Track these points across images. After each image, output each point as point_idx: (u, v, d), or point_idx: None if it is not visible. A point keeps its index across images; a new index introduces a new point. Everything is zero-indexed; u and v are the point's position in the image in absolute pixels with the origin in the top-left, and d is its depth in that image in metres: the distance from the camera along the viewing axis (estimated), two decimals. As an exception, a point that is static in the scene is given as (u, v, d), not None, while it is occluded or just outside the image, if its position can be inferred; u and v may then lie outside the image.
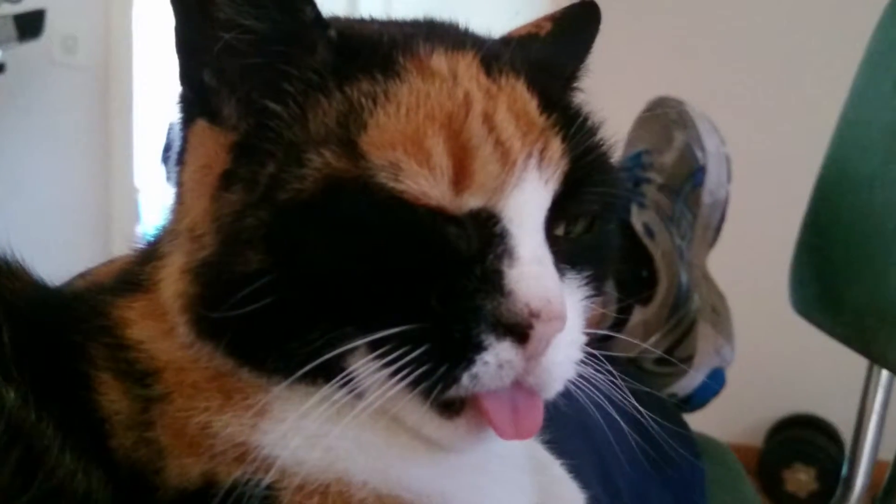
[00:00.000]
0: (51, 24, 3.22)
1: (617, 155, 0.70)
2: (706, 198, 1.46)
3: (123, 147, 3.80)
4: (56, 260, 0.72)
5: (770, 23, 3.32)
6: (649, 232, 1.47)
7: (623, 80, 2.02)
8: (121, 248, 0.79)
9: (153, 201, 4.12)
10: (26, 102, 3.52)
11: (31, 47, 3.24)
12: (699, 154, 1.46)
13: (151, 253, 0.69)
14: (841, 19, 2.76)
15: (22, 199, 3.47)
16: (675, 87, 1.57)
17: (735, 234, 1.57)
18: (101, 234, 3.73)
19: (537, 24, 0.76)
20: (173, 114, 0.69)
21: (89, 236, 3.69)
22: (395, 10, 0.79)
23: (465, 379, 0.57)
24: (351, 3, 4.04)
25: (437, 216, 0.58)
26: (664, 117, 1.51)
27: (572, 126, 0.64)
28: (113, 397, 0.62)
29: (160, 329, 0.64)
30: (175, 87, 0.68)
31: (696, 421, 1.37)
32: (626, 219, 1.44)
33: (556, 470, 0.78)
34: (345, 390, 0.58)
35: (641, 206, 1.48)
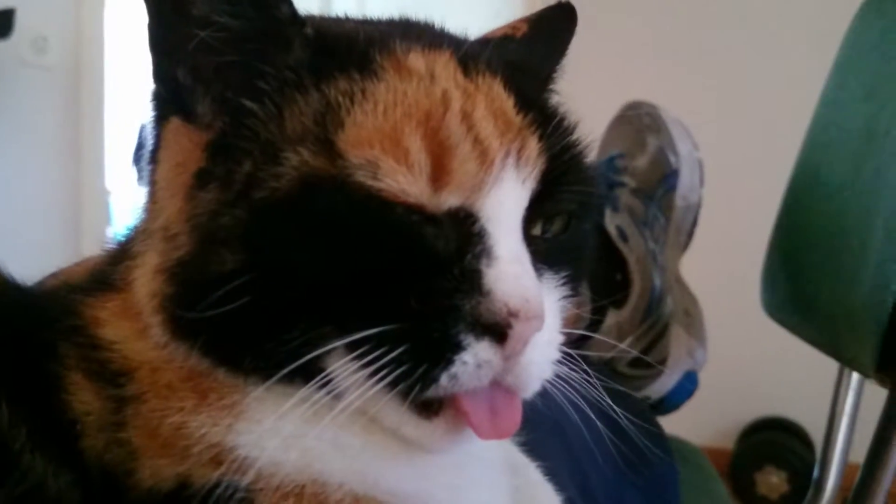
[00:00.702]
0: (21, 23, 3.19)
1: (592, 156, 0.70)
2: (679, 202, 1.46)
3: (94, 149, 3.77)
4: (26, 262, 0.71)
5: (742, 28, 3.34)
6: (623, 235, 1.47)
7: (596, 84, 2.03)
8: (92, 251, 0.78)
9: (124, 203, 4.08)
10: (-5, 103, 3.49)
11: (1, 47, 3.20)
12: (672, 158, 1.46)
13: (124, 252, 0.68)
14: (812, 24, 2.78)
15: (-9, 201, 3.44)
16: (648, 91, 1.58)
17: (708, 238, 1.58)
18: (72, 236, 3.69)
19: (513, 25, 0.76)
20: (146, 113, 0.69)
21: (60, 238, 3.66)
22: (369, 10, 0.78)
23: (444, 379, 0.57)
24: (325, 2, 4.03)
25: (415, 215, 0.58)
26: (637, 121, 1.52)
27: (549, 125, 0.64)
28: (84, 398, 0.61)
29: (133, 329, 0.63)
30: (147, 88, 0.67)
31: (668, 424, 1.37)
32: (600, 222, 1.45)
33: (531, 472, 0.78)
34: (323, 391, 0.58)
35: (615, 209, 1.49)
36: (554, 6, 0.77)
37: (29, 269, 0.74)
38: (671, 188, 1.46)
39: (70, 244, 3.63)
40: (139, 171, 0.73)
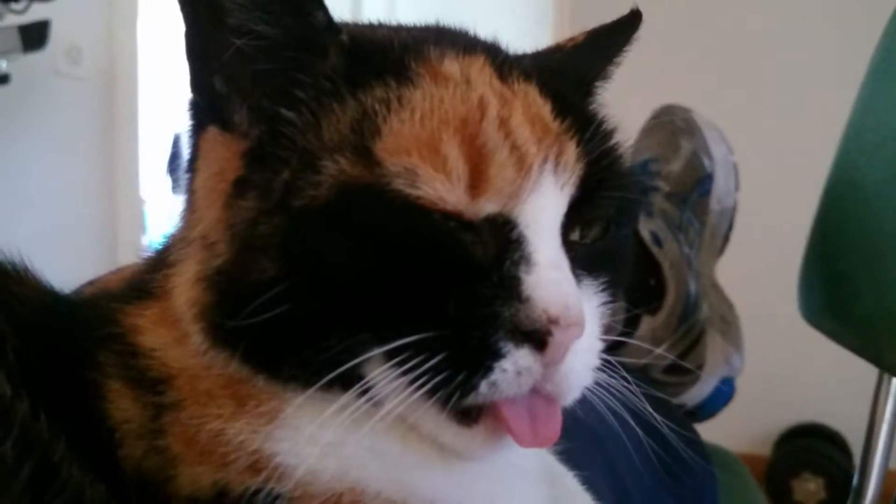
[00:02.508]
0: (55, 34, 3.23)
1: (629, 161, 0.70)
2: (714, 206, 1.45)
3: (129, 158, 3.81)
4: (62, 271, 0.72)
5: (778, 30, 3.31)
6: (657, 240, 1.46)
7: (631, 88, 2.02)
8: (127, 259, 0.79)
9: (159, 212, 4.12)
10: (31, 113, 3.53)
11: (36, 58, 3.24)
12: (706, 162, 1.45)
13: (162, 260, 0.69)
14: (847, 27, 2.76)
15: (28, 210, 3.47)
16: (682, 95, 1.57)
17: (744, 243, 1.56)
18: (108, 245, 3.73)
19: (573, 37, 0.76)
20: (181, 123, 0.69)
21: (95, 247, 3.69)
22: (399, 15, 0.78)
23: (484, 386, 0.56)
24: (356, 7, 4.06)
25: (453, 222, 0.57)
26: (670, 125, 1.51)
27: (587, 130, 0.63)
28: (123, 405, 0.61)
29: (172, 336, 0.63)
30: (181, 97, 0.68)
31: (705, 430, 1.36)
32: (635, 227, 1.43)
33: (569, 482, 0.77)
34: (363, 399, 0.58)
35: (649, 214, 1.48)
36: (625, 15, 0.76)
37: (65, 277, 0.74)
38: (706, 192, 1.45)
39: (106, 252, 3.66)
40: (174, 179, 0.73)
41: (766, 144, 2.91)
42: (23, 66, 3.26)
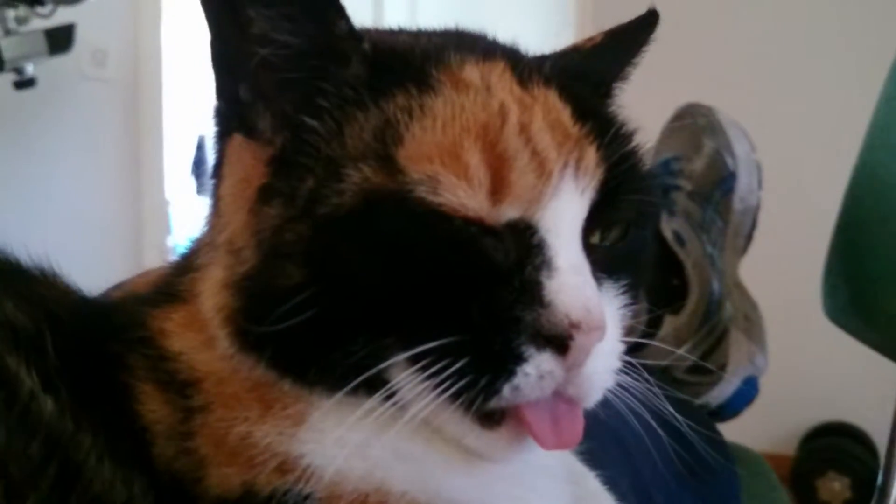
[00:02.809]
0: (80, 38, 3.26)
1: (649, 163, 0.70)
2: (737, 204, 1.44)
3: (154, 159, 3.83)
4: (88, 272, 0.73)
5: (799, 28, 3.30)
6: (679, 240, 1.46)
7: (652, 87, 2.01)
8: (152, 260, 0.79)
9: (184, 213, 4.15)
10: (57, 116, 3.56)
11: (62, 61, 3.27)
12: (729, 160, 1.44)
13: (188, 264, 0.70)
14: (870, 24, 2.74)
15: (53, 212, 3.51)
16: (704, 94, 1.56)
17: (767, 242, 1.56)
18: (133, 246, 3.76)
19: (591, 37, 0.76)
20: (205, 127, 0.70)
21: (121, 249, 3.72)
22: (421, 20, 0.79)
23: (506, 390, 0.57)
24: (377, 12, 4.07)
25: (474, 228, 0.58)
26: (693, 124, 1.50)
27: (607, 134, 0.64)
28: (153, 407, 0.62)
29: (199, 340, 0.64)
30: (205, 98, 0.68)
31: (728, 430, 1.35)
32: (656, 228, 1.43)
33: (591, 482, 0.77)
34: (388, 402, 0.59)
35: (671, 213, 1.47)
36: (641, 15, 0.76)
37: (91, 278, 0.75)
38: (728, 191, 1.44)
39: (131, 254, 3.69)
40: (198, 181, 0.74)
41: (789, 143, 2.89)
42: (49, 69, 3.30)
